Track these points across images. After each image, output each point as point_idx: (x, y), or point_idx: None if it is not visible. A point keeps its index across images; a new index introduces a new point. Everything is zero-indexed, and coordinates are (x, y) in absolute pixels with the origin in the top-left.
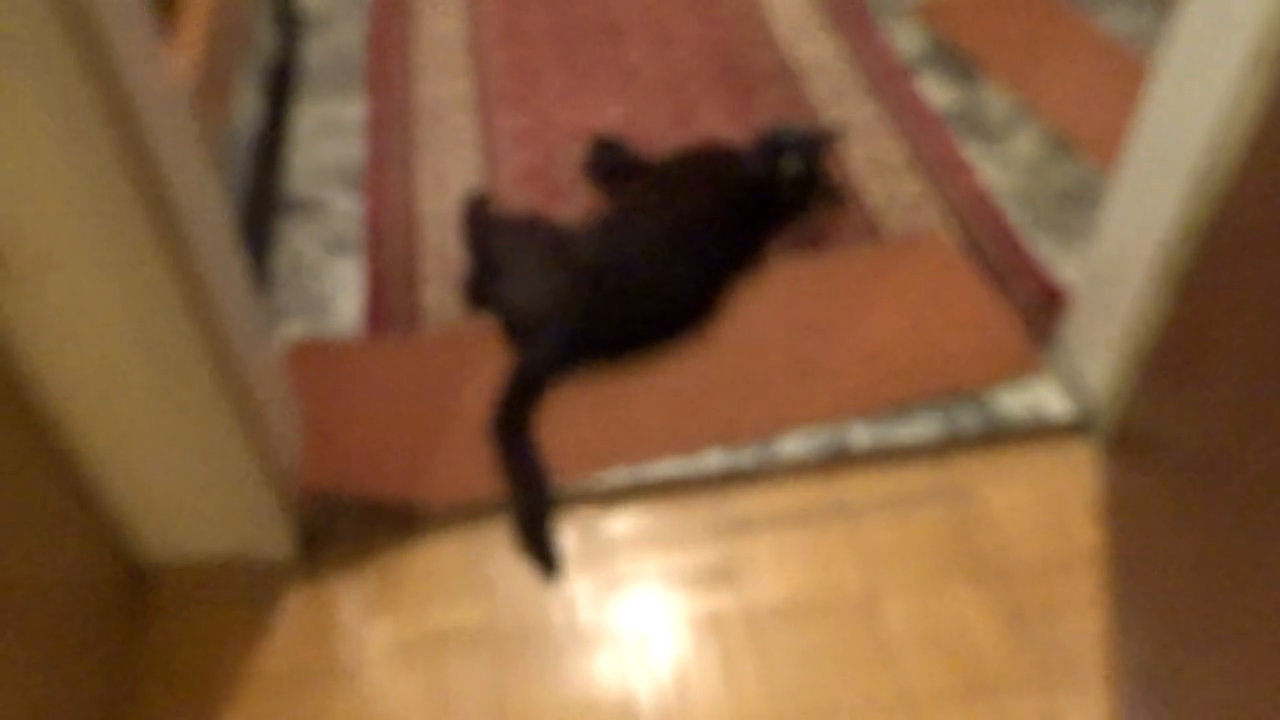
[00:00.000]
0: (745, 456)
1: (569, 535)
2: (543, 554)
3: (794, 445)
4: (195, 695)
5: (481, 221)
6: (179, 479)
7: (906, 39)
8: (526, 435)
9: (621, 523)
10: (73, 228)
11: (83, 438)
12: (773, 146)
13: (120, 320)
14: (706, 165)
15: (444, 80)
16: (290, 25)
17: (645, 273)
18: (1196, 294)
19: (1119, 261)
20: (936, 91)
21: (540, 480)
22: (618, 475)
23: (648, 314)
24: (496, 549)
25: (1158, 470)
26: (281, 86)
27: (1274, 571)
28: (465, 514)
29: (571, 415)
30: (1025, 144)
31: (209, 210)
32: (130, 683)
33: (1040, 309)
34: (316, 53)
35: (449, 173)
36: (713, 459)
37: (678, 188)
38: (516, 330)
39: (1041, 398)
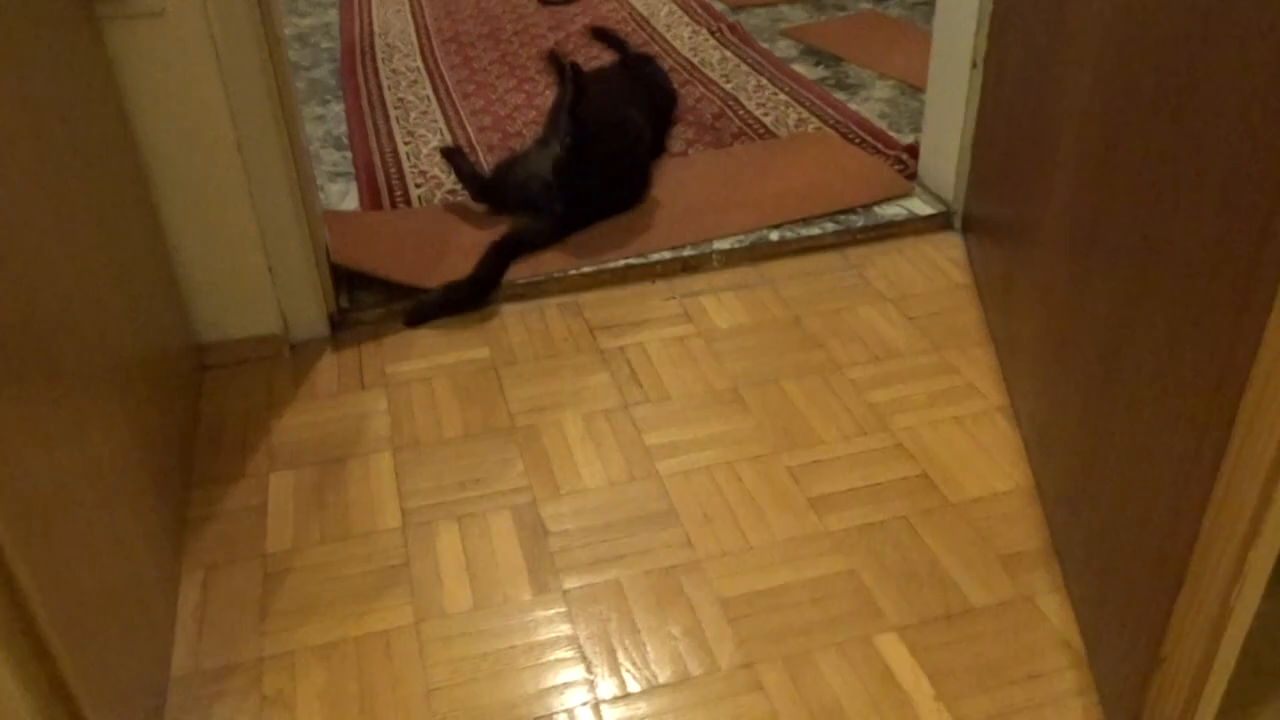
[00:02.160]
0: (687, 253)
1: (579, 300)
2: (423, 314)
3: (724, 244)
4: (242, 450)
5: (458, 154)
6: (239, 255)
7: (781, 49)
8: (503, 267)
9: (602, 294)
10: None
11: (167, 204)
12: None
13: (215, 74)
14: (628, 77)
15: (407, 76)
16: None
17: (609, 147)
18: (984, 115)
19: (944, 103)
20: (808, 71)
21: (478, 292)
22: (590, 268)
23: (614, 177)
24: (502, 315)
25: (984, 231)
26: None
27: (1031, 271)
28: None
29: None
30: (882, 90)
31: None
32: (188, 442)
33: (904, 161)
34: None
35: (419, 127)
36: (661, 255)
37: (614, 92)
38: (528, 201)
39: (913, 205)
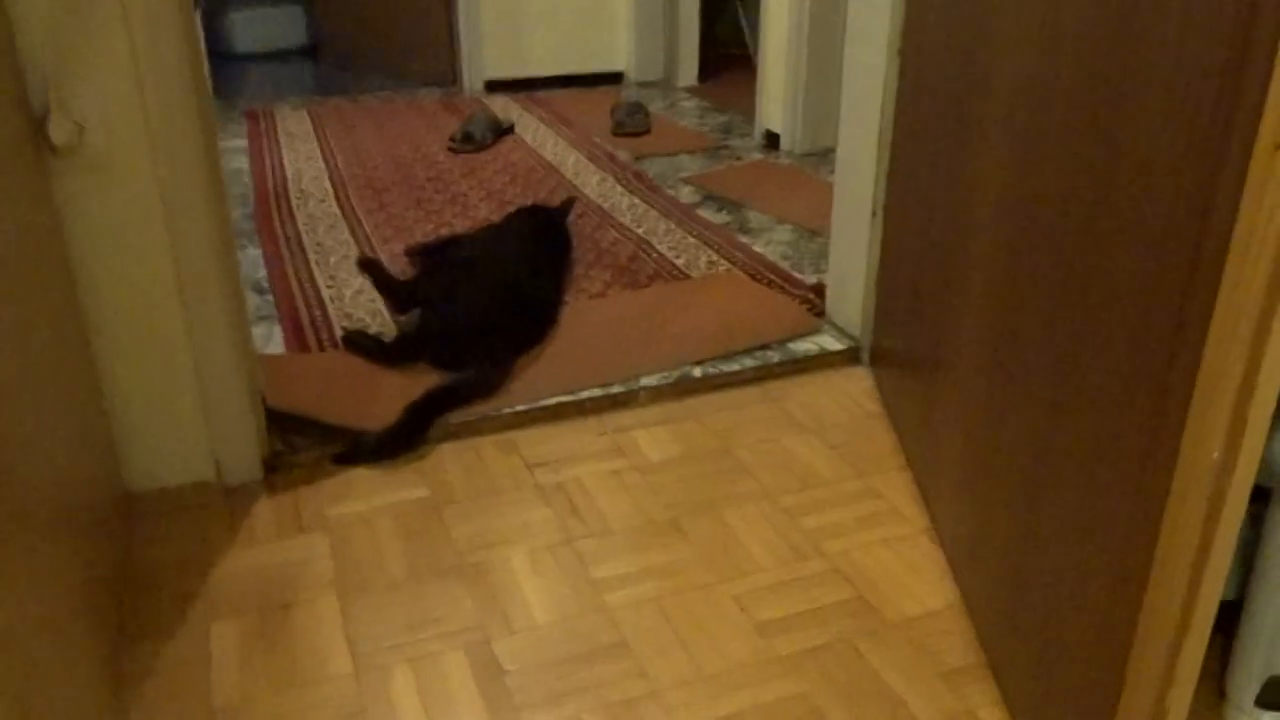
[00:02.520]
0: (615, 390)
1: (513, 438)
2: (356, 454)
3: (650, 380)
4: (178, 600)
5: (376, 266)
6: (174, 399)
7: (685, 195)
8: (435, 416)
9: (536, 431)
10: (139, 136)
11: (102, 348)
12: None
13: (159, 219)
14: (529, 218)
15: (322, 221)
16: None
17: (526, 288)
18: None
19: (846, 248)
20: (713, 216)
21: (408, 440)
22: (523, 406)
23: (530, 318)
24: (438, 454)
25: (893, 363)
26: None
27: (946, 399)
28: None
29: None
30: (783, 233)
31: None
32: (117, 595)
33: (812, 300)
34: None
35: (340, 270)
36: (591, 392)
37: (516, 233)
38: (446, 344)
39: (823, 341)
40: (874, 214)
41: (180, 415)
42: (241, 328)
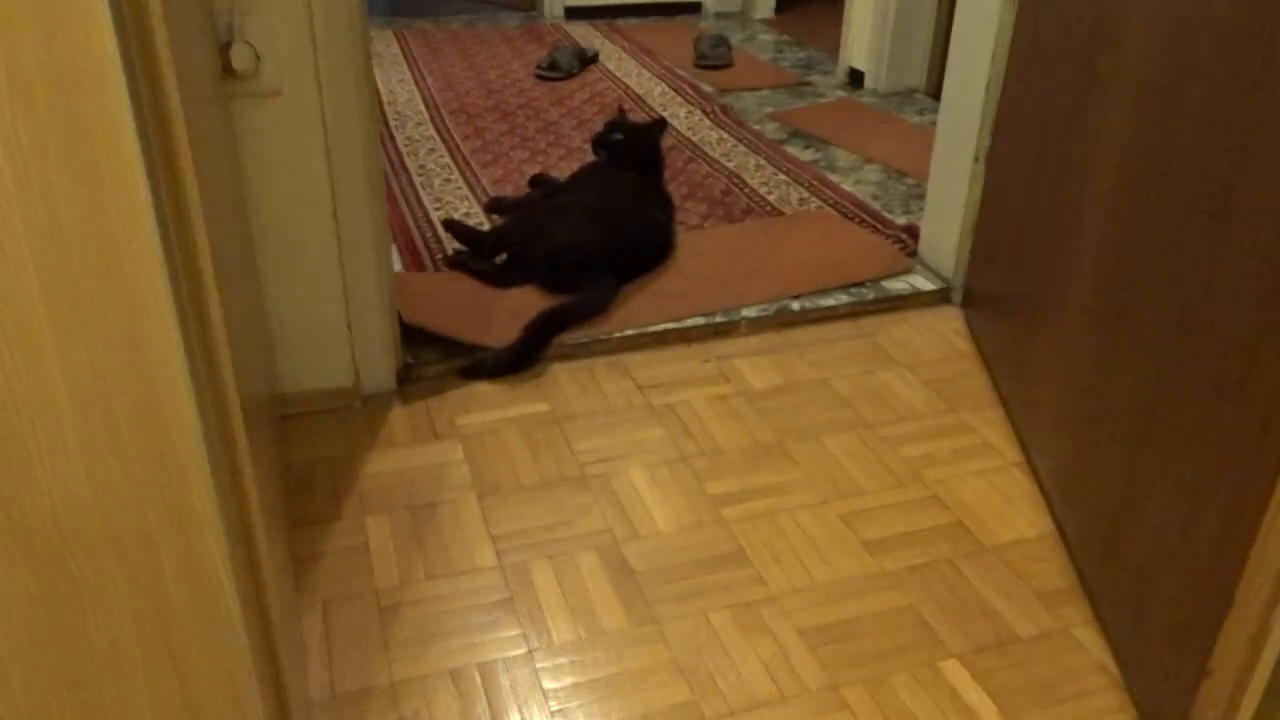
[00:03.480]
0: (717, 319)
1: (624, 360)
2: (480, 369)
3: (750, 312)
4: (332, 494)
5: (458, 224)
6: (323, 312)
7: (771, 131)
8: (549, 338)
9: (645, 355)
10: (307, 66)
11: (264, 262)
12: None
13: (320, 148)
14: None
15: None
16: None
17: (634, 216)
18: (987, 203)
19: (946, 192)
20: (800, 153)
21: (526, 359)
22: (631, 331)
23: (642, 244)
24: (554, 372)
25: (988, 306)
26: None
27: (1050, 342)
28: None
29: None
30: (871, 173)
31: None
32: (278, 491)
33: (904, 240)
34: None
35: (445, 193)
36: (694, 321)
37: (616, 166)
38: (558, 269)
39: (915, 281)
40: (976, 159)
41: (328, 324)
42: (384, 247)
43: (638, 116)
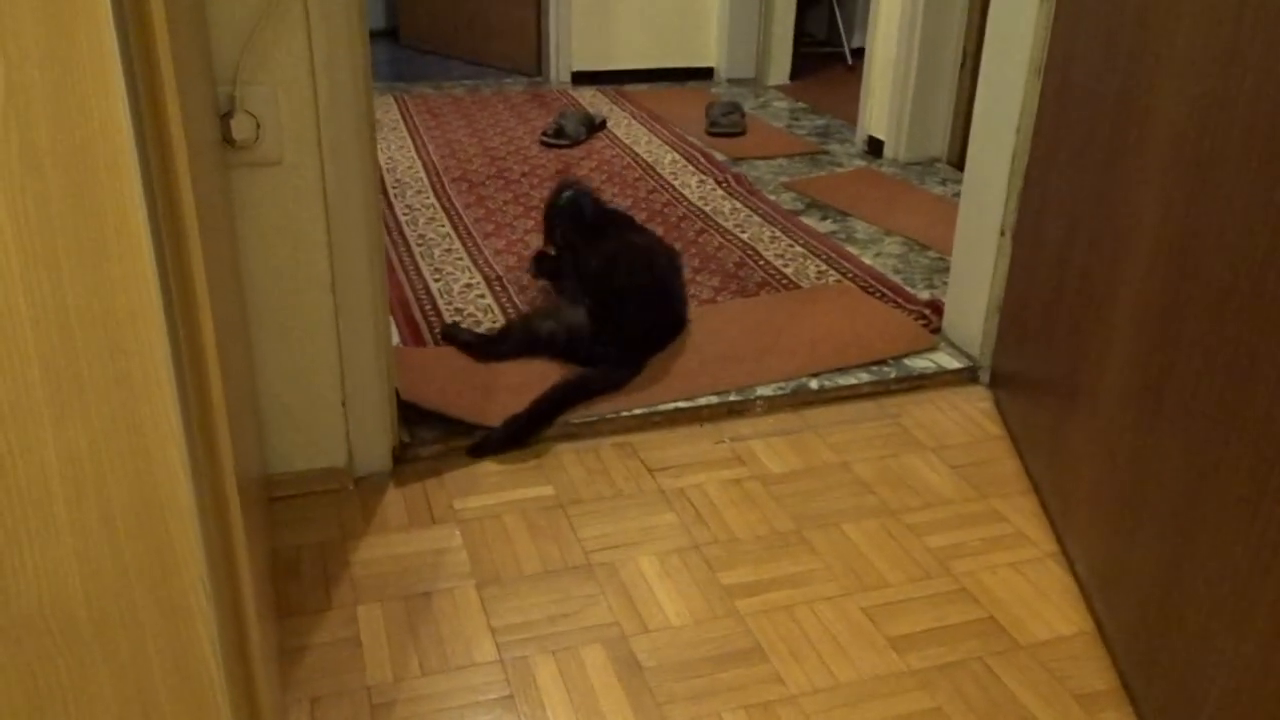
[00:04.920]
0: (731, 398)
1: (632, 441)
2: (488, 445)
3: (766, 390)
4: (323, 582)
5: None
6: (317, 388)
7: (787, 200)
8: (563, 409)
9: (654, 435)
10: (309, 136)
11: (257, 336)
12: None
13: (320, 217)
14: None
15: (426, 219)
16: None
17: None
18: (1014, 279)
19: (971, 267)
20: (818, 224)
21: (535, 428)
22: (640, 410)
23: (659, 322)
24: (559, 453)
25: (1019, 386)
26: None
27: (1086, 426)
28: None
29: None
30: (893, 245)
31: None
32: (268, 578)
33: (927, 316)
34: None
35: (445, 264)
36: (708, 399)
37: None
38: (560, 353)
39: (940, 359)
40: (1002, 233)
41: (322, 401)
42: (383, 321)
43: (645, 185)
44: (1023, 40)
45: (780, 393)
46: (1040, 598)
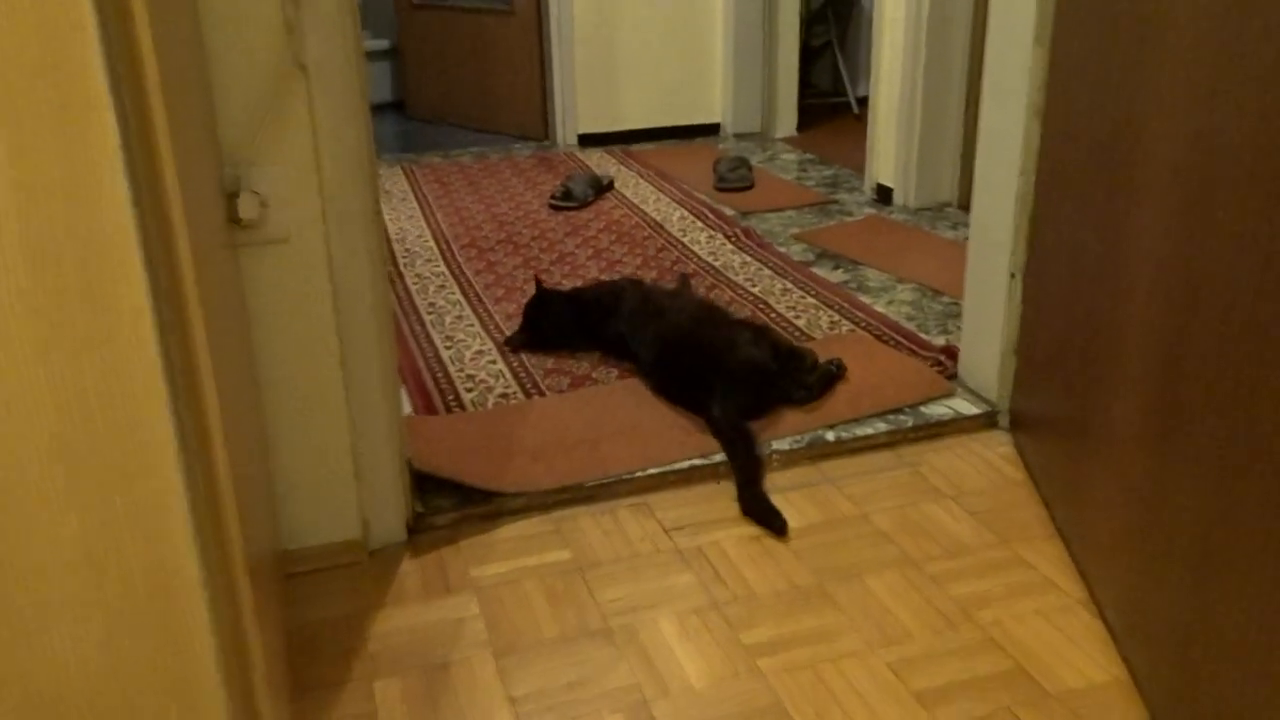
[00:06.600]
0: None
1: (648, 501)
2: (768, 515)
3: (782, 444)
4: (339, 656)
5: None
6: (330, 462)
7: (798, 252)
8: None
9: (670, 495)
10: (314, 213)
11: (269, 412)
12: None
13: (328, 294)
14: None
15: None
16: None
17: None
18: (1027, 321)
19: (982, 310)
20: (829, 274)
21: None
22: (655, 470)
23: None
24: (575, 516)
25: (1038, 429)
26: None
27: (1103, 467)
28: (539, 504)
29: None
30: (905, 293)
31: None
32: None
33: (943, 362)
34: None
35: (456, 331)
36: (723, 456)
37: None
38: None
39: (957, 405)
40: (1012, 276)
41: (335, 475)
42: (394, 393)
43: (654, 243)
44: (1020, 83)
45: (796, 445)
46: (1070, 645)
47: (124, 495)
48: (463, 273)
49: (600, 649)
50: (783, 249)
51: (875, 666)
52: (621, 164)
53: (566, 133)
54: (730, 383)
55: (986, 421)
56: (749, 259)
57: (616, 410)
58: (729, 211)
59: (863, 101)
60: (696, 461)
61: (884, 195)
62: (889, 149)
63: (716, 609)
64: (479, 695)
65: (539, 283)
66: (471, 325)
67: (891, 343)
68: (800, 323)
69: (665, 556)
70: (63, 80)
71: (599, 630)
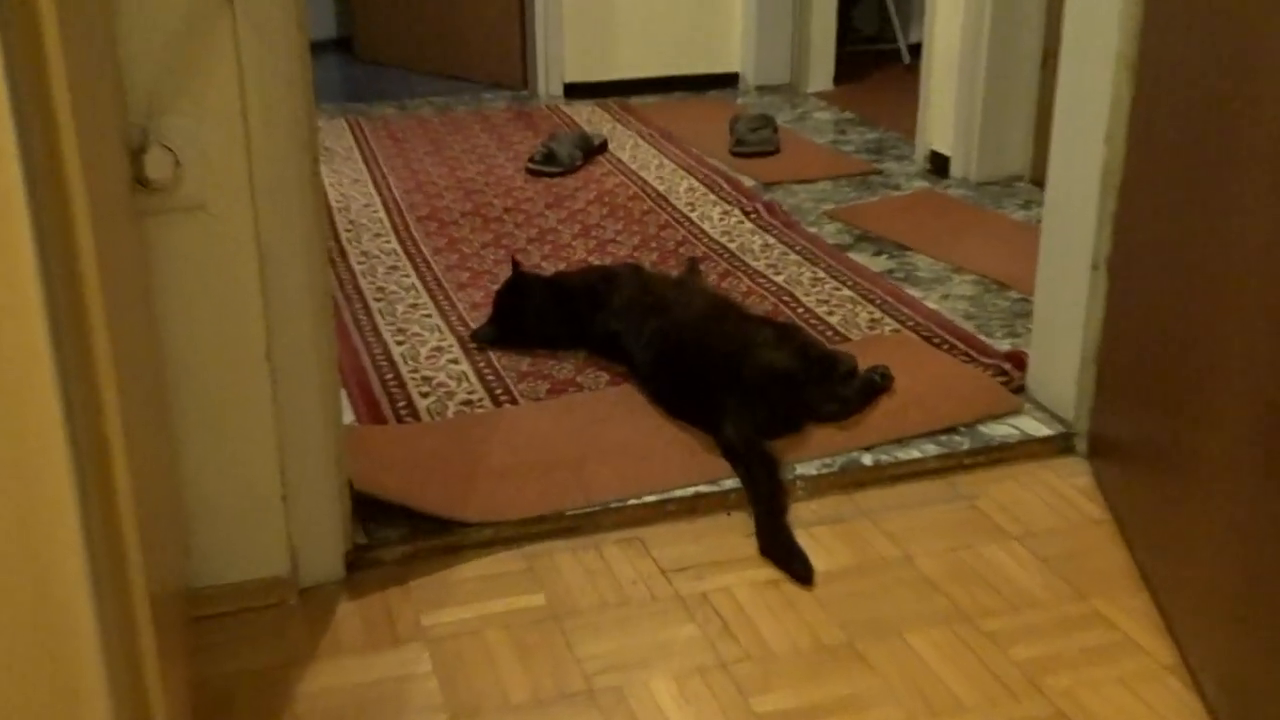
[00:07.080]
0: None
1: (642, 536)
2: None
3: (808, 469)
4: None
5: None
6: (251, 480)
7: (831, 233)
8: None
9: (669, 528)
10: (240, 174)
11: (179, 414)
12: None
13: (254, 276)
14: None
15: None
16: None
17: None
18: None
19: (1058, 309)
20: (870, 261)
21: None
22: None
23: None
24: (551, 553)
25: (1124, 456)
26: None
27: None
28: (507, 537)
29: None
30: (963, 286)
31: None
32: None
33: (1007, 372)
34: None
35: (410, 322)
36: (734, 482)
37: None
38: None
39: (1025, 425)
40: (1095, 267)
41: (258, 496)
42: (332, 396)
43: (656, 219)
44: (1108, 30)
45: (825, 471)
46: None
47: (3, 519)
48: (419, 251)
49: (580, 716)
50: (813, 229)
51: None
52: (618, 121)
53: (550, 81)
54: (746, 393)
55: (1060, 446)
56: (771, 241)
57: (605, 423)
58: (748, 182)
59: (915, 50)
60: (702, 488)
61: (939, 165)
62: (946, 109)
63: (724, 669)
64: None
65: (516, 265)
66: (429, 315)
67: (945, 346)
68: (833, 320)
69: (662, 604)
70: None
71: (579, 693)
